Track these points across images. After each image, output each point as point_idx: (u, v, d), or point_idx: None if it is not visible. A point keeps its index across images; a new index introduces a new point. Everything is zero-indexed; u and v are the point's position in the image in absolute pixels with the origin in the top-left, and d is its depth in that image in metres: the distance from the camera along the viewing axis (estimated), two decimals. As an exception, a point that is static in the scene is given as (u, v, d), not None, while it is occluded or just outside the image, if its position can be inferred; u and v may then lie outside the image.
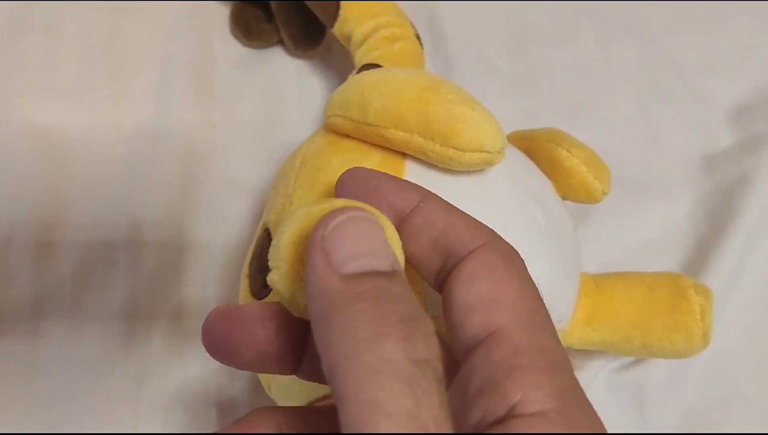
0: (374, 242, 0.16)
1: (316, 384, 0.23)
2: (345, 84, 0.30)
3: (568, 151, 0.31)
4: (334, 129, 0.30)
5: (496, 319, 0.17)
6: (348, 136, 0.30)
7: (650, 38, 0.48)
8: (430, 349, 0.15)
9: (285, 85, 0.45)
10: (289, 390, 0.29)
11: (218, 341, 0.19)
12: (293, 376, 0.27)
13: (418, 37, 0.39)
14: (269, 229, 0.30)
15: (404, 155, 0.28)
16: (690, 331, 0.31)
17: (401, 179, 0.20)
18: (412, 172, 0.28)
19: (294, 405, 0.29)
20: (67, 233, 0.38)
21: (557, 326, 0.31)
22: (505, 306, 0.17)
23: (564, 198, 0.33)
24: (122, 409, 0.35)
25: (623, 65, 0.47)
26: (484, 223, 0.19)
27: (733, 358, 0.39)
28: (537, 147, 0.32)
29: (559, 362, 0.16)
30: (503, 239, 0.18)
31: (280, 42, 0.45)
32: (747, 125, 0.45)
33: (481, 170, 0.28)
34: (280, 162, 0.41)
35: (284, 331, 0.19)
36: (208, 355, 0.36)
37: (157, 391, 0.35)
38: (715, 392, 0.38)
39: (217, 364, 0.36)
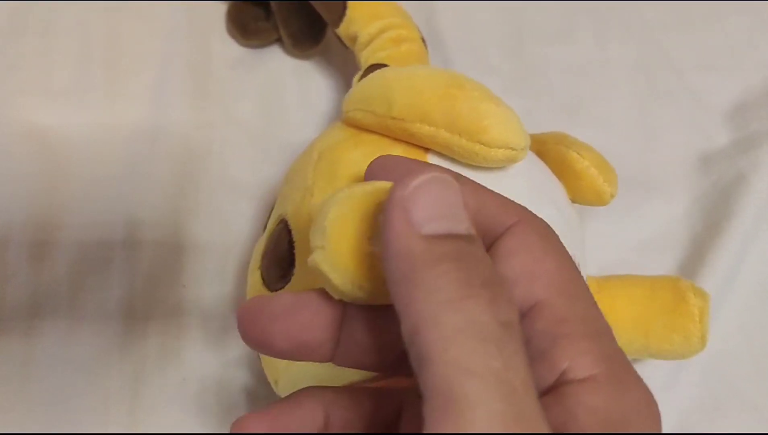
0: (453, 205, 0.16)
1: (329, 378, 0.23)
2: (365, 80, 0.30)
3: (578, 153, 0.32)
4: (353, 123, 0.31)
5: (536, 292, 0.17)
6: (368, 131, 0.30)
7: (648, 37, 0.48)
8: (513, 313, 0.15)
9: (283, 85, 0.45)
10: (299, 386, 0.29)
11: (253, 332, 0.19)
12: (303, 372, 0.27)
13: (423, 40, 0.39)
14: (286, 220, 0.30)
15: (426, 149, 0.29)
16: (688, 333, 0.31)
17: (429, 163, 0.20)
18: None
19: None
20: (65, 233, 0.38)
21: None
22: (544, 279, 0.17)
23: (573, 200, 0.33)
24: (119, 408, 0.35)
25: (621, 64, 0.47)
26: None
27: (730, 358, 0.39)
28: (546, 149, 0.33)
29: (601, 329, 0.17)
30: (536, 216, 0.19)
31: (278, 41, 0.45)
32: (744, 124, 0.45)
33: (501, 168, 0.28)
34: (278, 161, 0.41)
35: (319, 318, 0.19)
36: (204, 354, 0.37)
37: (154, 391, 0.35)
38: (712, 392, 0.38)
39: (215, 363, 0.36)
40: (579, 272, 0.18)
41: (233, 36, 0.45)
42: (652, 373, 0.38)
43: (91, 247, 0.38)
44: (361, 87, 0.30)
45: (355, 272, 0.18)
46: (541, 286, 0.17)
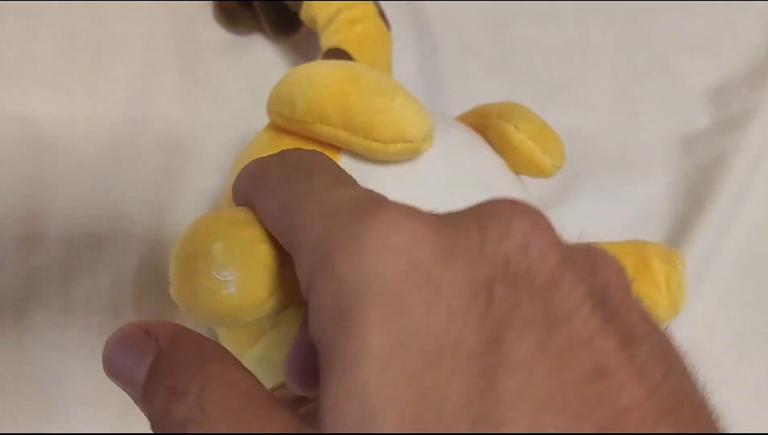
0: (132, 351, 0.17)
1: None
2: (281, 79, 0.30)
3: (515, 126, 0.31)
4: (275, 124, 0.30)
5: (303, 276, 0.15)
6: (288, 132, 0.29)
7: (629, 19, 0.49)
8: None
9: (269, 70, 0.45)
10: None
11: None
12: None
13: (382, 14, 0.38)
14: None
15: (339, 148, 0.28)
16: (654, 301, 0.31)
17: (256, 162, 0.20)
18: (347, 165, 0.28)
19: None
20: (53, 219, 0.38)
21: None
22: (302, 256, 0.16)
23: (517, 173, 0.33)
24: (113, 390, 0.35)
25: (602, 46, 0.48)
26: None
27: (710, 331, 0.40)
28: (488, 124, 0.32)
29: (319, 254, 0.15)
30: None
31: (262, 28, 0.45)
32: (724, 105, 0.46)
33: (411, 158, 0.28)
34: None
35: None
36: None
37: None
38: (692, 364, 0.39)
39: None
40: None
41: (220, 23, 0.45)
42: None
43: (79, 233, 0.38)
44: (275, 87, 0.29)
45: (197, 308, 0.18)
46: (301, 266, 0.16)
